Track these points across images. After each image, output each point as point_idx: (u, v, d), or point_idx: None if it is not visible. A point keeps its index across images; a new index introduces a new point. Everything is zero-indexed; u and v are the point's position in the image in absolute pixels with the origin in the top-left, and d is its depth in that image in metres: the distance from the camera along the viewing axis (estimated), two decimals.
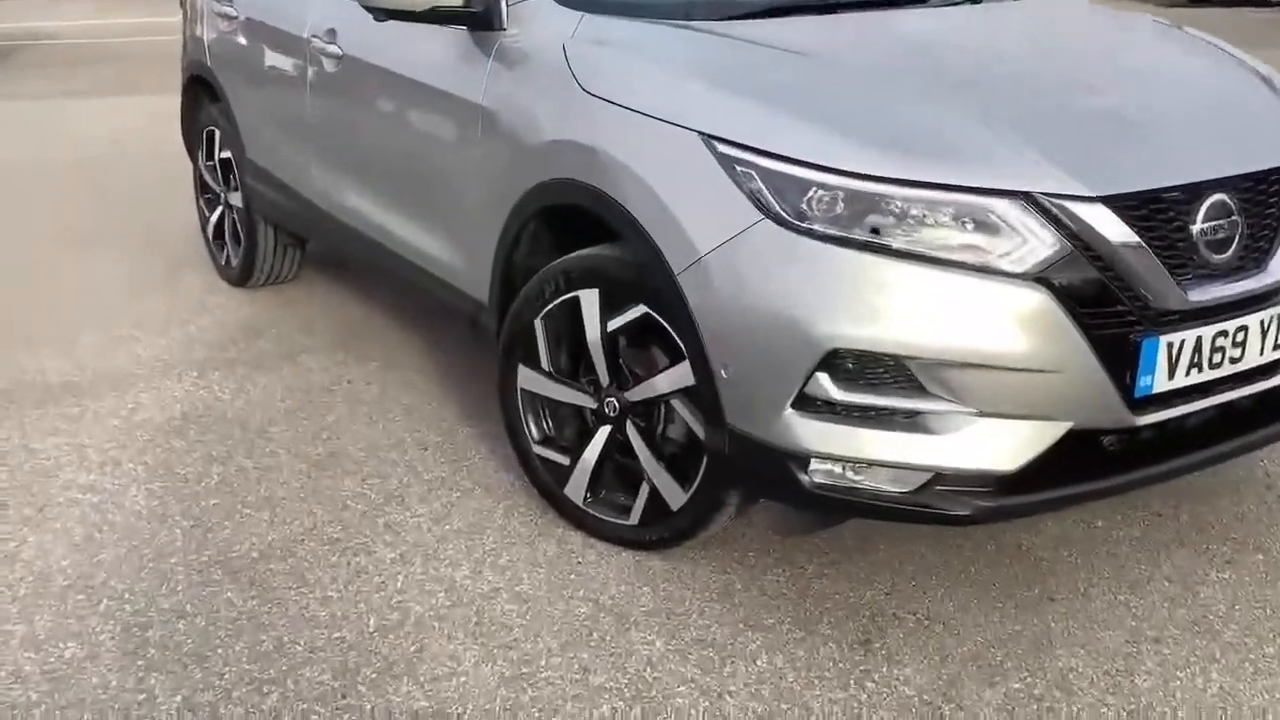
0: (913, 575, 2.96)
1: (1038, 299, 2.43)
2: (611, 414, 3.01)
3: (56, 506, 3.29)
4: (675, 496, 2.93)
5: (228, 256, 5.13)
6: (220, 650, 2.67)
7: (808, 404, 2.54)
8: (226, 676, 2.59)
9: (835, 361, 2.49)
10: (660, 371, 2.88)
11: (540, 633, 2.73)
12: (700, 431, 2.81)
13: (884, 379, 2.50)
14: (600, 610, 2.82)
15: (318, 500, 3.32)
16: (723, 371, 2.65)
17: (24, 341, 4.47)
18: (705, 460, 2.82)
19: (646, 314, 2.85)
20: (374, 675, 2.59)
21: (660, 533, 3.01)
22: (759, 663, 2.63)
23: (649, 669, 2.61)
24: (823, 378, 2.50)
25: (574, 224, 3.07)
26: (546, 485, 3.20)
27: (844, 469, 2.57)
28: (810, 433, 2.55)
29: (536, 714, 2.47)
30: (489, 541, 3.11)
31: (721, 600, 2.86)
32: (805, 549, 3.06)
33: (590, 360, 3.03)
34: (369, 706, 2.50)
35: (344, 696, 2.53)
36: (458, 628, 2.75)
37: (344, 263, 5.14)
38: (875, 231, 2.49)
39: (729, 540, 3.07)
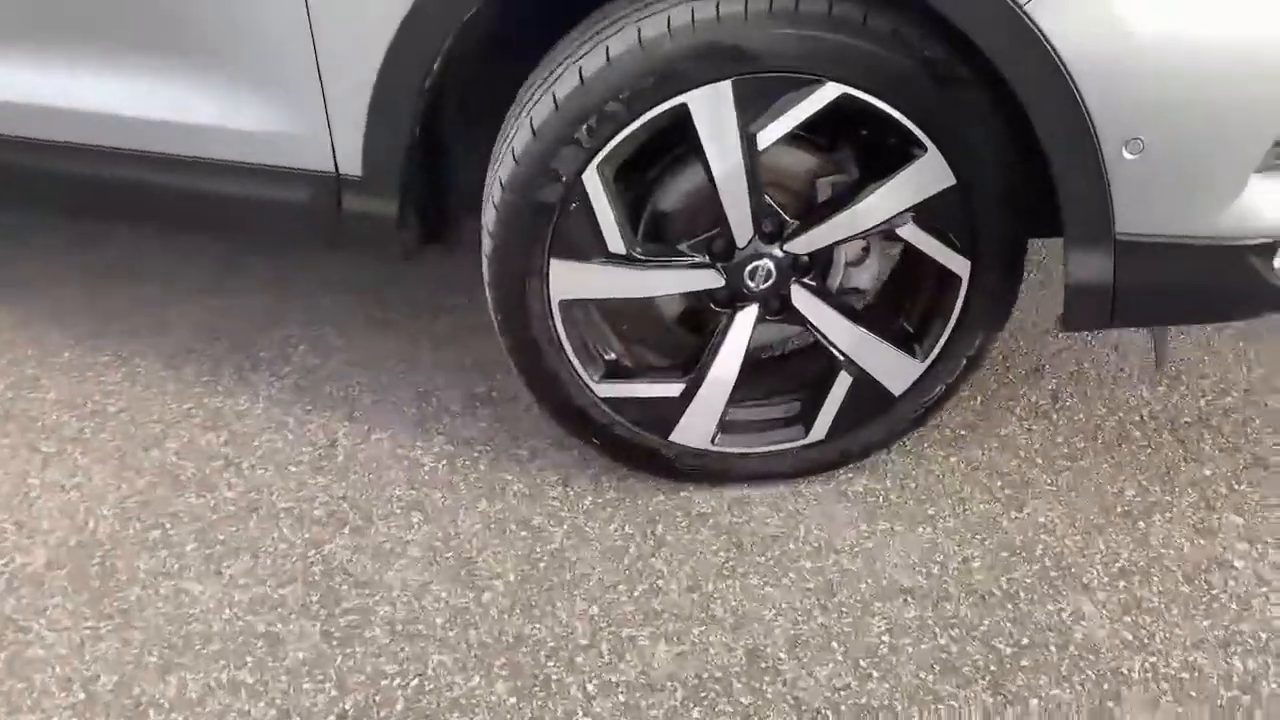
0: None
1: None
2: (760, 286, 1.72)
3: None
4: (901, 374, 1.80)
5: None
6: None
7: None
8: None
9: None
10: (872, 190, 1.66)
11: None
12: (946, 259, 1.70)
13: None
14: (934, 642, 1.67)
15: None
16: (1125, 150, 1.53)
17: None
18: (964, 296, 1.73)
19: (845, 95, 1.58)
20: None
21: (869, 438, 1.87)
22: None
23: None
24: None
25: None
26: (630, 443, 1.83)
27: None
28: None
29: None
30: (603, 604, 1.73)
31: (1084, 546, 1.82)
32: (1080, 379, 2.08)
33: (674, 220, 1.73)
34: None
35: None
36: None
37: None
38: None
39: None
